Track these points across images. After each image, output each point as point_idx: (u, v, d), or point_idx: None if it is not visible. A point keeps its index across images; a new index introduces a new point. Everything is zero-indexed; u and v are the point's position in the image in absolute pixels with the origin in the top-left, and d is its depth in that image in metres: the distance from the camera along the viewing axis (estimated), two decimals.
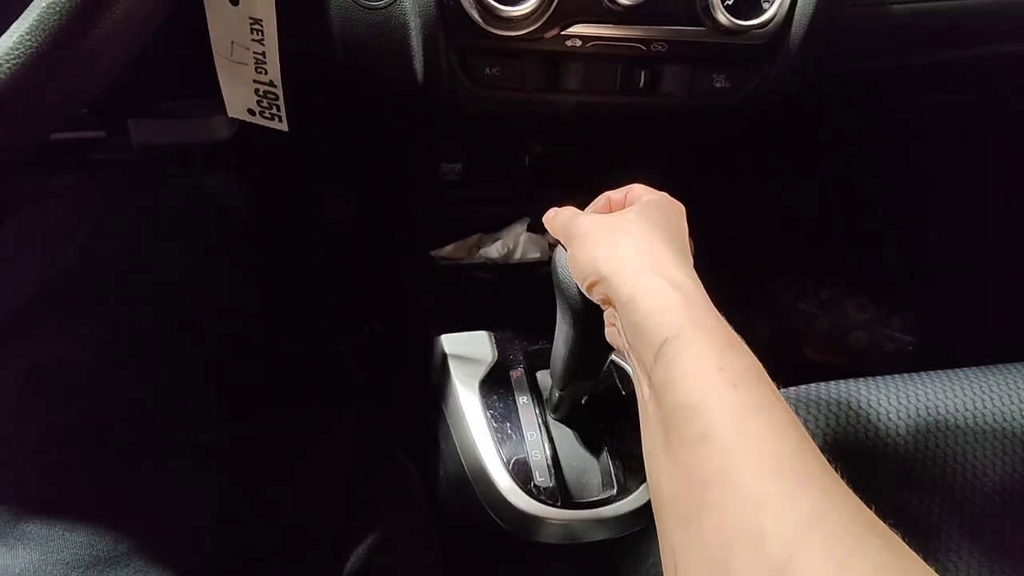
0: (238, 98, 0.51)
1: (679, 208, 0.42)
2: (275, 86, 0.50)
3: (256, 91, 0.50)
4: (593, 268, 0.38)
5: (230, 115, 0.52)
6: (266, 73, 0.49)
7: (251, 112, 0.52)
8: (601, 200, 0.46)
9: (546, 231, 0.81)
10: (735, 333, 0.33)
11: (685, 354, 0.31)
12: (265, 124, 0.52)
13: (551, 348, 0.63)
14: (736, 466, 0.27)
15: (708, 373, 0.30)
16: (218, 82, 0.50)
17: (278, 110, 0.51)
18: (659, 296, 0.34)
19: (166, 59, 0.57)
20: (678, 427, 0.30)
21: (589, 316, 0.42)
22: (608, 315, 0.41)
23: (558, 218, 0.44)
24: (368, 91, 0.56)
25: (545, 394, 0.60)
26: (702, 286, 0.35)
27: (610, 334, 0.42)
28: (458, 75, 0.49)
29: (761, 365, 0.31)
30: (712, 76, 0.52)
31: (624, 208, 0.44)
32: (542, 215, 0.82)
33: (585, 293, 0.40)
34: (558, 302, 0.46)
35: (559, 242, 0.45)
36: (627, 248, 0.37)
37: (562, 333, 0.48)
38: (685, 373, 0.30)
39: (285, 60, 0.47)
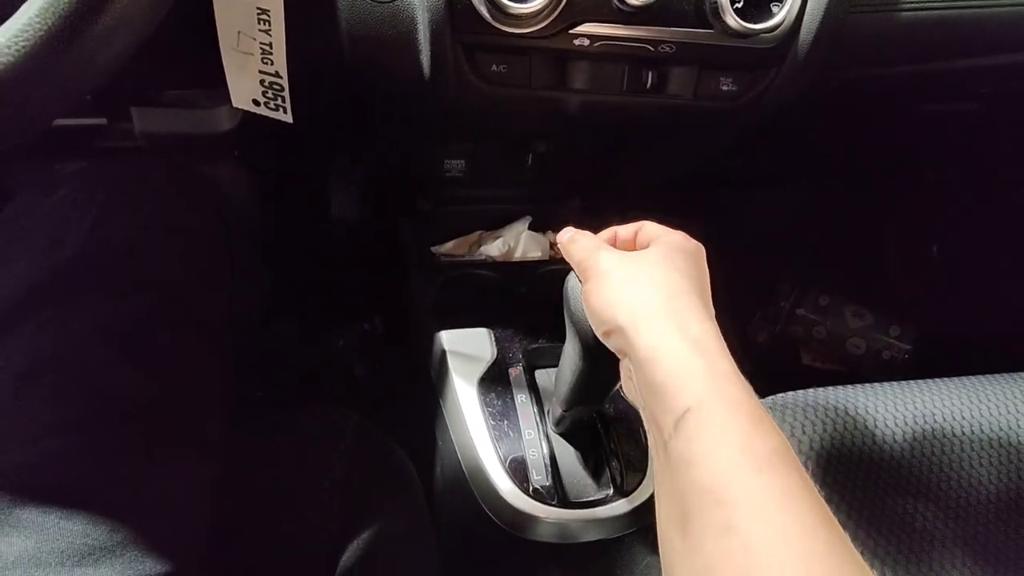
0: (243, 89, 0.51)
1: (700, 250, 0.40)
2: (281, 77, 0.49)
3: (262, 82, 0.50)
4: (610, 316, 0.35)
5: (235, 105, 0.52)
6: (272, 64, 0.49)
7: (256, 103, 0.52)
8: (606, 234, 0.43)
9: (547, 231, 0.82)
10: (761, 405, 0.31)
11: (707, 430, 0.29)
12: (270, 115, 0.52)
13: (550, 347, 0.63)
14: (762, 566, 0.25)
15: (731, 454, 0.28)
16: (223, 72, 0.50)
17: (283, 101, 0.51)
18: (681, 360, 0.32)
19: (171, 48, 0.57)
20: (698, 512, 0.28)
21: (599, 352, 0.40)
22: (624, 367, 0.39)
23: (575, 247, 0.41)
24: (373, 86, 0.56)
25: (543, 394, 0.59)
26: (725, 345, 0.33)
27: (627, 388, 0.40)
28: (465, 71, 0.49)
29: (788, 444, 0.30)
30: (719, 79, 0.52)
31: (633, 247, 0.42)
32: (544, 214, 0.82)
33: (599, 338, 0.38)
34: (568, 328, 0.45)
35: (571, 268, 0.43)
36: (648, 299, 0.34)
37: (570, 360, 0.46)
38: (707, 452, 0.29)
39: (291, 52, 0.47)
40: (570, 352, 0.46)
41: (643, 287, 0.35)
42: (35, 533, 0.32)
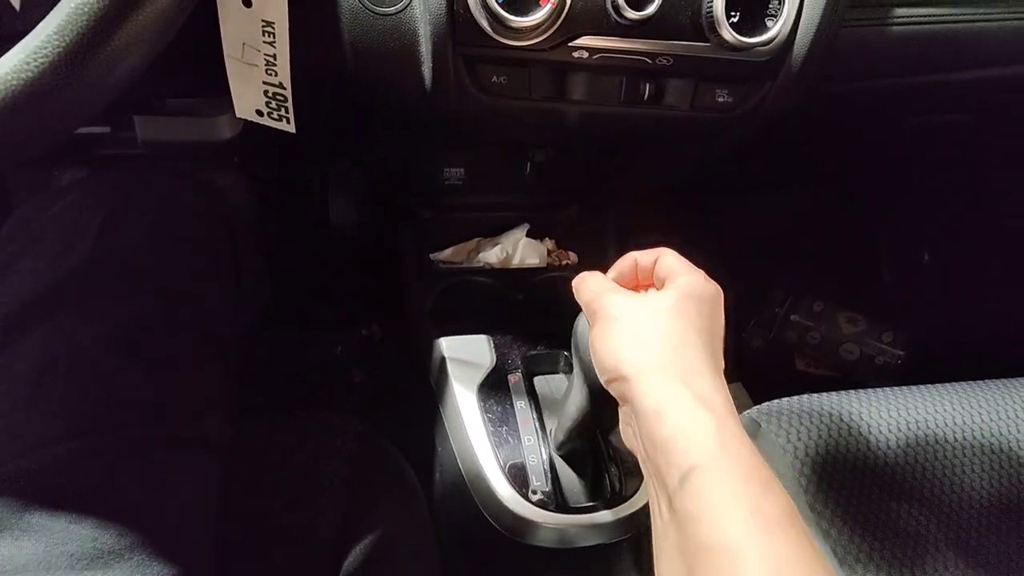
0: (247, 99, 0.52)
1: (717, 294, 0.38)
2: (284, 88, 0.50)
3: (265, 92, 0.51)
4: (614, 364, 0.35)
5: (238, 115, 0.53)
6: (276, 75, 0.49)
7: (259, 113, 0.52)
8: (627, 261, 0.43)
9: (544, 238, 0.83)
10: (767, 465, 0.31)
11: (717, 490, 0.29)
12: (273, 125, 0.53)
13: (549, 354, 0.64)
14: None
15: (742, 516, 0.28)
16: (226, 81, 0.51)
17: (286, 112, 0.52)
18: (688, 416, 0.31)
19: (176, 57, 0.57)
20: (706, 570, 0.28)
21: (605, 398, 0.39)
22: (624, 414, 0.38)
23: (585, 287, 0.40)
24: (375, 96, 0.57)
25: (542, 401, 0.60)
26: (732, 402, 0.33)
27: (625, 434, 0.39)
28: (465, 82, 0.50)
29: (795, 507, 0.29)
30: (715, 91, 0.53)
31: (651, 276, 0.41)
32: (542, 221, 0.83)
33: (602, 383, 0.38)
34: (575, 368, 0.45)
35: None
36: (656, 351, 0.34)
37: (575, 398, 0.46)
38: (715, 511, 0.28)
39: (294, 63, 0.48)
40: (576, 392, 0.46)
41: (649, 337, 0.35)
42: (44, 537, 0.33)
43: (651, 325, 0.35)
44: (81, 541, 0.33)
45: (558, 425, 0.52)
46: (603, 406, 0.40)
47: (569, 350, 0.64)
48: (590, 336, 0.39)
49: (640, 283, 0.43)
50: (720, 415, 0.31)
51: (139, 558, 0.34)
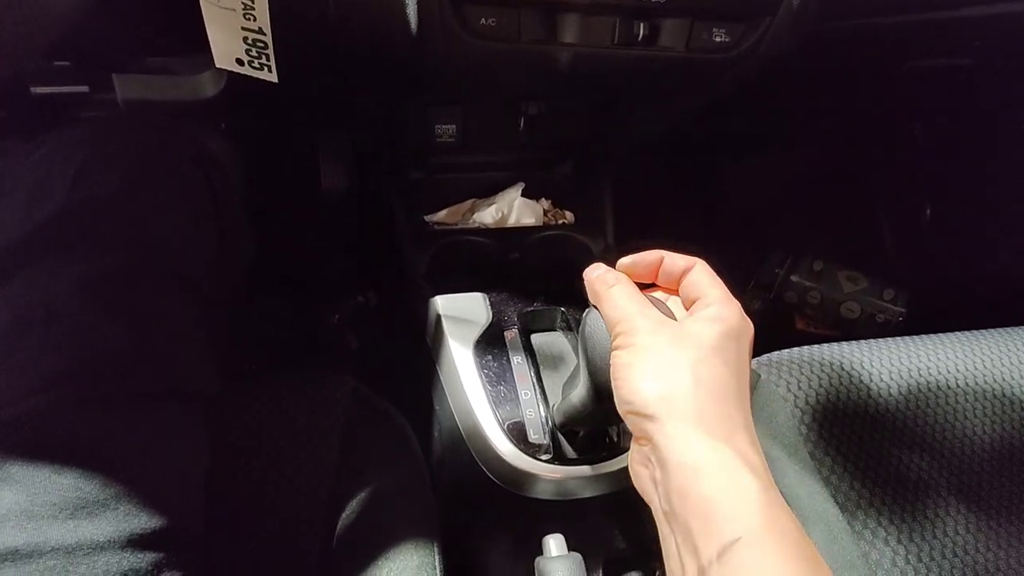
0: (226, 47, 0.50)
1: (750, 330, 0.35)
2: (264, 34, 0.48)
3: (245, 39, 0.49)
4: (643, 401, 0.32)
5: (218, 65, 0.51)
6: (255, 20, 0.47)
7: (240, 62, 0.51)
8: (652, 256, 0.39)
9: (540, 198, 0.81)
10: (807, 537, 0.29)
11: (761, 567, 0.27)
12: (254, 74, 0.51)
13: (545, 310, 0.63)
14: None
15: None
16: (206, 37, 0.49)
17: (267, 60, 0.50)
18: (732, 478, 0.29)
19: (152, 9, 0.55)
20: None
21: (612, 401, 0.36)
22: (641, 454, 0.34)
23: (609, 303, 0.36)
24: (359, 43, 0.55)
25: (539, 356, 0.59)
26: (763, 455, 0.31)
27: (638, 475, 0.35)
28: (452, 25, 0.48)
29: None
30: (712, 30, 0.51)
31: (675, 283, 0.38)
32: (537, 180, 0.81)
33: (620, 413, 0.34)
34: (581, 362, 0.42)
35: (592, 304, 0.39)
36: (694, 398, 0.31)
37: (579, 393, 0.44)
38: None
39: (274, 8, 0.46)
40: (581, 389, 0.44)
41: (687, 380, 0.31)
42: (26, 487, 0.32)
43: (690, 366, 0.32)
44: (64, 491, 0.32)
45: (557, 407, 0.51)
46: (610, 409, 0.37)
47: (564, 306, 0.63)
48: (614, 360, 0.35)
49: (660, 284, 0.41)
50: (763, 480, 0.29)
51: (125, 508, 0.33)
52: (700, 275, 0.38)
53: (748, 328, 0.35)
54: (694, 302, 0.37)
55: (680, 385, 0.31)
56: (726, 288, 0.37)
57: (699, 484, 0.29)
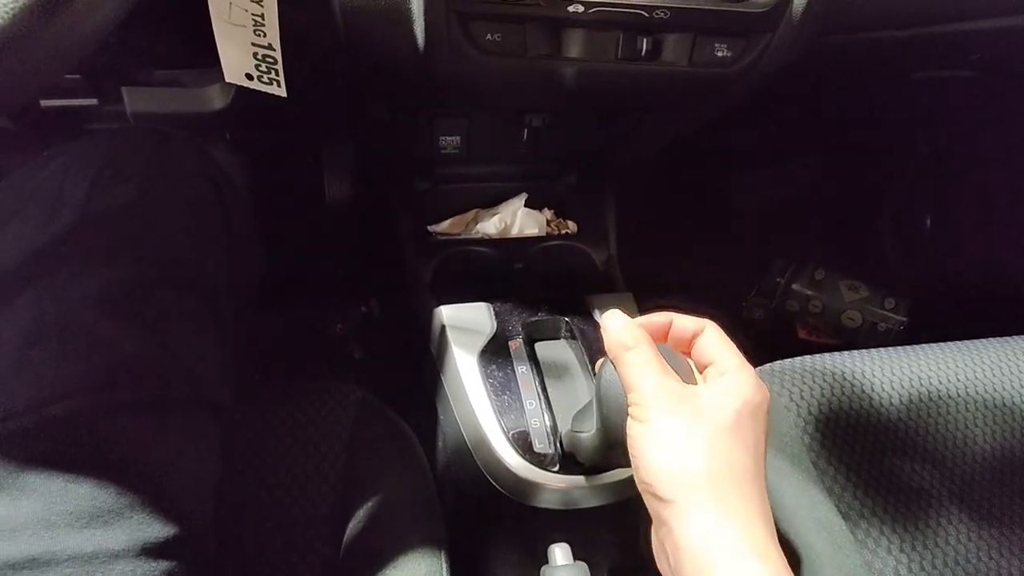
0: (236, 62, 0.50)
1: (767, 401, 0.35)
2: (274, 49, 0.49)
3: (255, 55, 0.50)
4: (659, 485, 0.32)
5: (228, 80, 0.52)
6: (265, 36, 0.48)
7: (249, 77, 0.51)
8: (661, 319, 0.39)
9: (543, 207, 0.82)
10: None
11: None
12: (263, 89, 0.52)
13: (550, 320, 0.64)
14: None
15: None
16: (215, 51, 0.50)
17: (276, 75, 0.51)
18: (744, 569, 0.29)
19: (162, 23, 0.56)
20: None
21: (623, 449, 0.37)
22: (657, 534, 0.35)
23: (629, 367, 0.36)
24: (368, 58, 0.56)
25: (543, 366, 0.60)
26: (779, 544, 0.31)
27: (662, 564, 0.35)
28: (459, 41, 0.49)
29: None
30: (714, 45, 0.52)
31: (687, 345, 0.38)
32: (540, 190, 0.81)
33: (638, 487, 0.34)
34: (595, 411, 0.42)
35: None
36: (709, 481, 0.31)
37: (592, 437, 0.45)
38: None
39: (283, 24, 0.47)
40: (595, 435, 0.44)
41: (702, 464, 0.31)
42: (42, 496, 0.33)
43: (707, 450, 0.32)
44: (79, 500, 0.33)
45: (566, 436, 0.51)
46: (620, 455, 0.37)
47: (568, 315, 0.63)
48: (629, 430, 0.35)
49: (671, 346, 0.40)
50: (775, 568, 0.29)
51: (139, 517, 0.34)
52: (712, 339, 0.37)
53: (764, 399, 0.35)
54: (707, 365, 0.37)
55: (697, 470, 0.31)
56: (739, 353, 0.36)
57: (708, 572, 0.29)
